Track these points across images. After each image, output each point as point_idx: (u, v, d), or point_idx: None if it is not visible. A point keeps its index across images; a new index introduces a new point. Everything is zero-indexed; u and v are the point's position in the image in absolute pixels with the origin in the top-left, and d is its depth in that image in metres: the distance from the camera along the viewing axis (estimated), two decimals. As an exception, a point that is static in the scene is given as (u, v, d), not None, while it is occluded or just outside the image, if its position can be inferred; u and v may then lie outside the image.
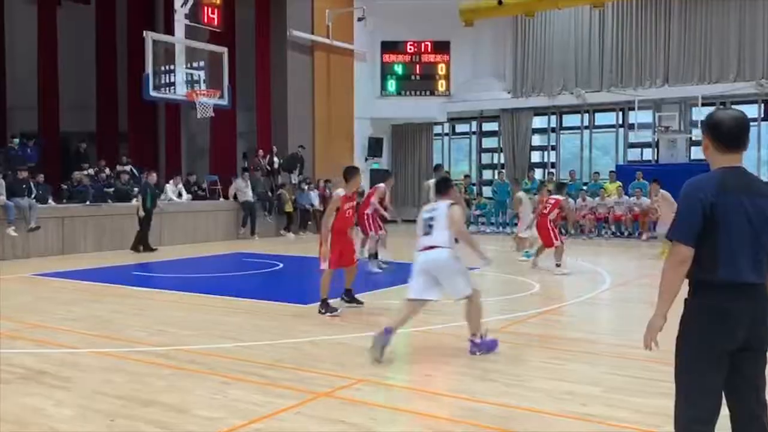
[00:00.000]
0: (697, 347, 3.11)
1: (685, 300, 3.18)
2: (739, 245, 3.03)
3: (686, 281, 3.18)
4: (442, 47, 25.37)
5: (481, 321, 6.56)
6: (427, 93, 25.62)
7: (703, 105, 21.20)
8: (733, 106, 21.02)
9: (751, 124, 21.34)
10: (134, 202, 16.45)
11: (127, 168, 19.09)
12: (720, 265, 3.04)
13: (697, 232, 3.04)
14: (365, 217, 12.22)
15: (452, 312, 8.64)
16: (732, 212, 3.03)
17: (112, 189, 17.55)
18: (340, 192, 8.52)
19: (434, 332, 7.70)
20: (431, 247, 6.50)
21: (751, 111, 21.47)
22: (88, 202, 16.44)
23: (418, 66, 25.62)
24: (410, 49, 25.55)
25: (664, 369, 5.91)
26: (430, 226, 6.58)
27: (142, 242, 15.86)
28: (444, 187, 6.97)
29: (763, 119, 21.22)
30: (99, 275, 12.08)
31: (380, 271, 12.23)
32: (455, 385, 5.67)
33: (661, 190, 15.17)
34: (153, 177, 16.47)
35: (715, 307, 3.07)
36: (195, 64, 18.16)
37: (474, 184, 24.05)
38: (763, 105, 21.22)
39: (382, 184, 12.73)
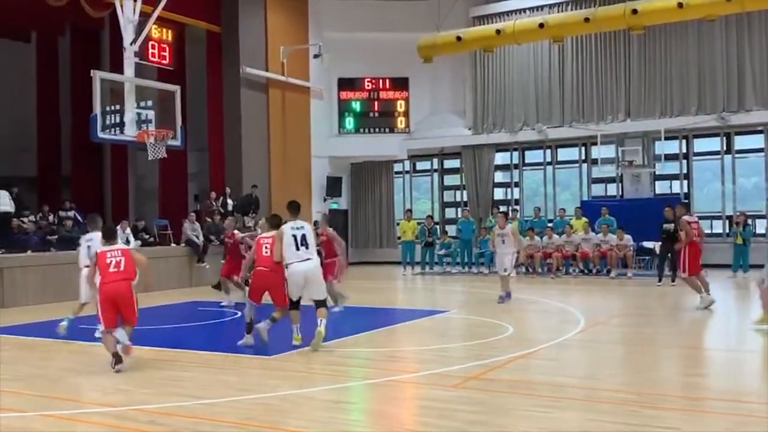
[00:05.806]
0: None
1: None
2: None
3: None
4: (400, 84, 24.91)
5: None
6: (387, 130, 25.03)
7: (666, 139, 21.07)
8: (695, 140, 21.26)
9: (714, 157, 20.97)
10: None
11: (71, 213, 17.93)
12: None
13: None
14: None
15: (435, 359, 8.14)
16: None
17: (55, 237, 16.35)
18: (99, 245, 8.26)
19: (409, 381, 7.28)
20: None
21: (714, 144, 21.44)
22: (29, 252, 15.17)
23: (376, 103, 25.06)
24: (368, 85, 25.01)
25: (651, 414, 5.65)
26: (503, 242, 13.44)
27: None
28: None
29: (726, 152, 21.14)
30: (44, 330, 10.82)
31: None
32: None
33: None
34: None
35: None
36: (143, 104, 17.20)
37: (438, 224, 23.36)
38: (725, 138, 21.17)
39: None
